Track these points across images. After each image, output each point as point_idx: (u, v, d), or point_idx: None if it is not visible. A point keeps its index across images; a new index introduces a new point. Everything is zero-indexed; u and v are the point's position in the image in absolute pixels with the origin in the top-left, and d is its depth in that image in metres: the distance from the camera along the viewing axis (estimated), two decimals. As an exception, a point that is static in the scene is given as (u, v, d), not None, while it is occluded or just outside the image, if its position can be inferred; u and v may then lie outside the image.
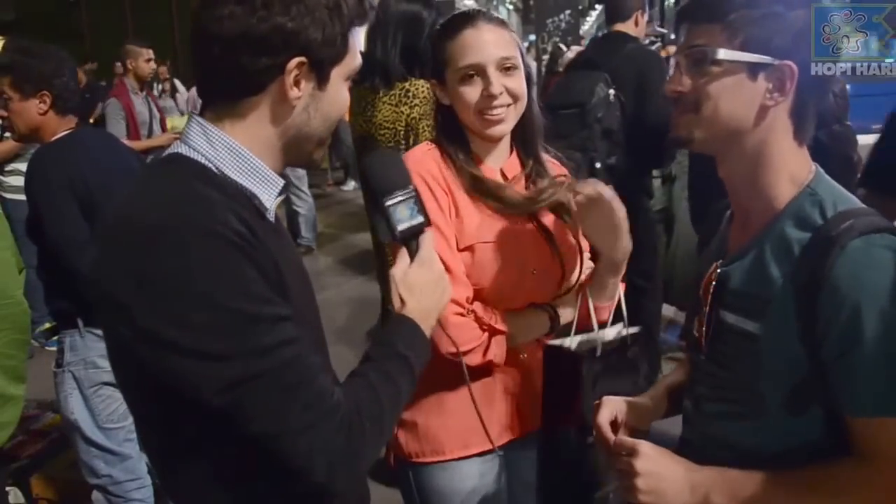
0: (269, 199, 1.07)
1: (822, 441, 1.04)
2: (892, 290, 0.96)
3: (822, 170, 1.10)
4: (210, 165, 1.02)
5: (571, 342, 1.47)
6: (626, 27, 3.36)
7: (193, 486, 1.05)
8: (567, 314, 1.56)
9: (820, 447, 1.04)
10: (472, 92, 1.48)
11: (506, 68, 1.48)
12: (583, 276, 1.58)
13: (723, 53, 1.03)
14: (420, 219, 1.17)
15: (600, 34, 3.91)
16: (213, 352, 0.93)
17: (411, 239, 1.17)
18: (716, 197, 1.25)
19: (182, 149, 1.04)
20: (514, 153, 1.60)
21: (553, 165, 1.64)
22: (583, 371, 1.41)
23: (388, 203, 1.16)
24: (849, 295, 0.96)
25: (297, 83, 1.02)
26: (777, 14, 1.01)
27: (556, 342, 1.49)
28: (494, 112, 1.48)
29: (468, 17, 1.51)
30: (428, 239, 1.18)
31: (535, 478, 1.55)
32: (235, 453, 1.02)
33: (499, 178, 1.56)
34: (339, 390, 1.03)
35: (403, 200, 1.16)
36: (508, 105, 1.49)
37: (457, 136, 1.54)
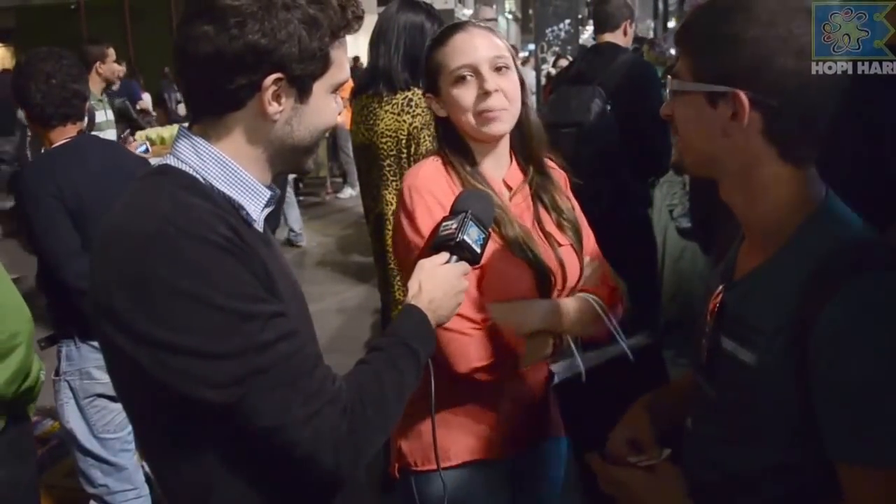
0: (256, 209, 1.08)
1: (817, 480, 1.00)
2: (883, 336, 0.91)
3: (833, 194, 1.05)
4: (198, 177, 1.04)
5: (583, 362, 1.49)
6: (615, 37, 3.36)
7: (196, 486, 1.06)
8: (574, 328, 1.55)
9: (813, 486, 1.01)
10: (467, 93, 1.48)
11: (498, 67, 1.48)
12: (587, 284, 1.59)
13: (678, 85, 1.03)
14: (477, 250, 1.28)
15: (589, 45, 3.92)
16: (214, 351, 0.95)
17: (457, 254, 1.26)
18: (717, 207, 1.23)
19: (171, 160, 1.06)
20: (515, 163, 1.59)
21: (554, 171, 1.63)
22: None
23: (470, 215, 1.28)
24: (837, 339, 0.92)
25: (276, 98, 1.03)
26: (729, 37, 0.97)
27: (559, 367, 1.50)
28: (492, 112, 1.47)
29: (459, 25, 1.52)
30: (465, 269, 1.27)
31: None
32: (238, 450, 1.03)
33: (503, 190, 1.55)
34: (340, 378, 1.05)
35: (479, 229, 1.29)
36: (504, 108, 1.48)
37: (458, 148, 1.54)
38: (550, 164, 1.64)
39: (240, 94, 1.01)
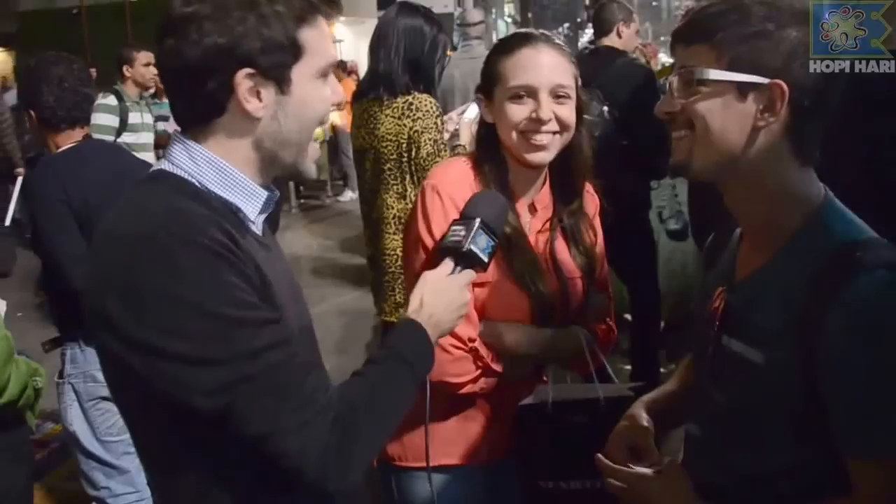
0: (253, 211, 1.07)
1: (826, 477, 1.00)
2: (889, 332, 0.93)
3: (831, 193, 1.05)
4: (193, 181, 1.04)
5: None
6: (611, 40, 3.43)
7: (190, 493, 1.06)
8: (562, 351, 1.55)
9: (823, 483, 1.01)
10: (519, 112, 1.44)
11: (559, 96, 1.44)
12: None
13: (709, 73, 1.00)
14: (484, 259, 1.25)
15: (588, 50, 3.99)
16: (203, 357, 0.94)
17: (463, 262, 1.23)
18: (718, 209, 1.23)
19: (166, 165, 1.06)
20: (548, 185, 1.56)
21: (587, 194, 1.61)
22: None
23: (480, 223, 1.24)
24: (844, 337, 0.94)
25: (255, 94, 1.02)
26: (767, 32, 0.97)
27: (529, 401, 1.48)
28: (539, 137, 1.44)
29: (529, 37, 1.48)
30: (470, 277, 1.24)
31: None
32: (231, 458, 1.03)
33: (526, 212, 1.54)
34: (334, 389, 1.03)
35: (489, 237, 1.25)
36: (555, 133, 1.44)
37: (494, 156, 1.50)
38: (587, 187, 1.61)
39: (216, 97, 1.01)
